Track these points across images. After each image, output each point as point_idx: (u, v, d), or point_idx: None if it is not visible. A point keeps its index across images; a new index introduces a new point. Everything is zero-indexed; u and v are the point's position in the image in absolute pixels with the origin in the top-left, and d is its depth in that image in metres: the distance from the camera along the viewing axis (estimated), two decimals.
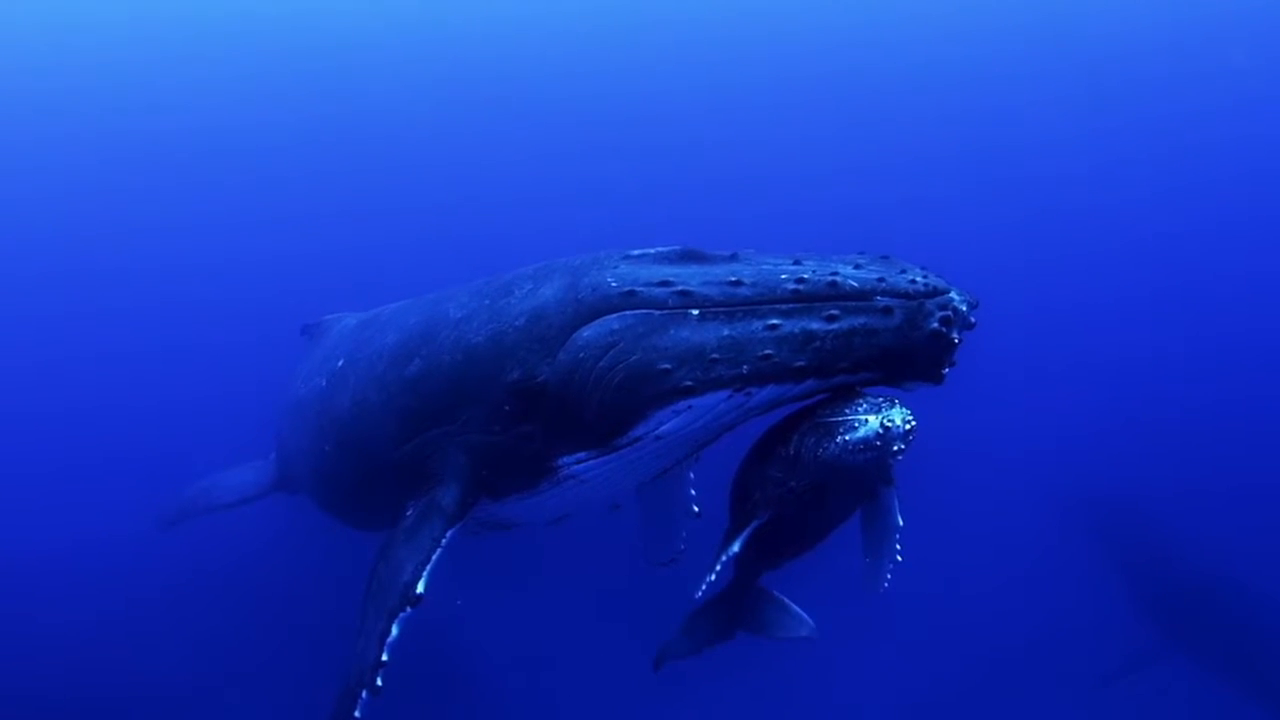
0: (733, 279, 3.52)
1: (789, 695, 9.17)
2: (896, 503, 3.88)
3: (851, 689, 9.33)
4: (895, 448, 3.35)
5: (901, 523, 3.89)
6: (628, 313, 3.56)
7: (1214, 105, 19.45)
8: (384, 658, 3.87)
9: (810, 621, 4.59)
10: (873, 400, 3.44)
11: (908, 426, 3.35)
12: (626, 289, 3.61)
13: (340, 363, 5.16)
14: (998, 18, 21.16)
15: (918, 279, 3.40)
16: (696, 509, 5.55)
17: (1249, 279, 15.55)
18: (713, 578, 3.83)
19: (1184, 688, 9.14)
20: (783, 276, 3.47)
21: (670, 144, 17.81)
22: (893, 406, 3.40)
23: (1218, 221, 16.85)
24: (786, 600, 4.59)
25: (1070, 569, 10.62)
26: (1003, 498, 11.03)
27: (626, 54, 20.29)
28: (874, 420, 3.34)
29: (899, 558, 3.95)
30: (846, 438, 3.35)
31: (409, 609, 3.91)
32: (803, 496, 3.56)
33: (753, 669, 8.77)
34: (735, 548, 3.74)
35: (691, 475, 5.57)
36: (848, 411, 3.41)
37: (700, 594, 3.94)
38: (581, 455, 3.81)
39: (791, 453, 3.52)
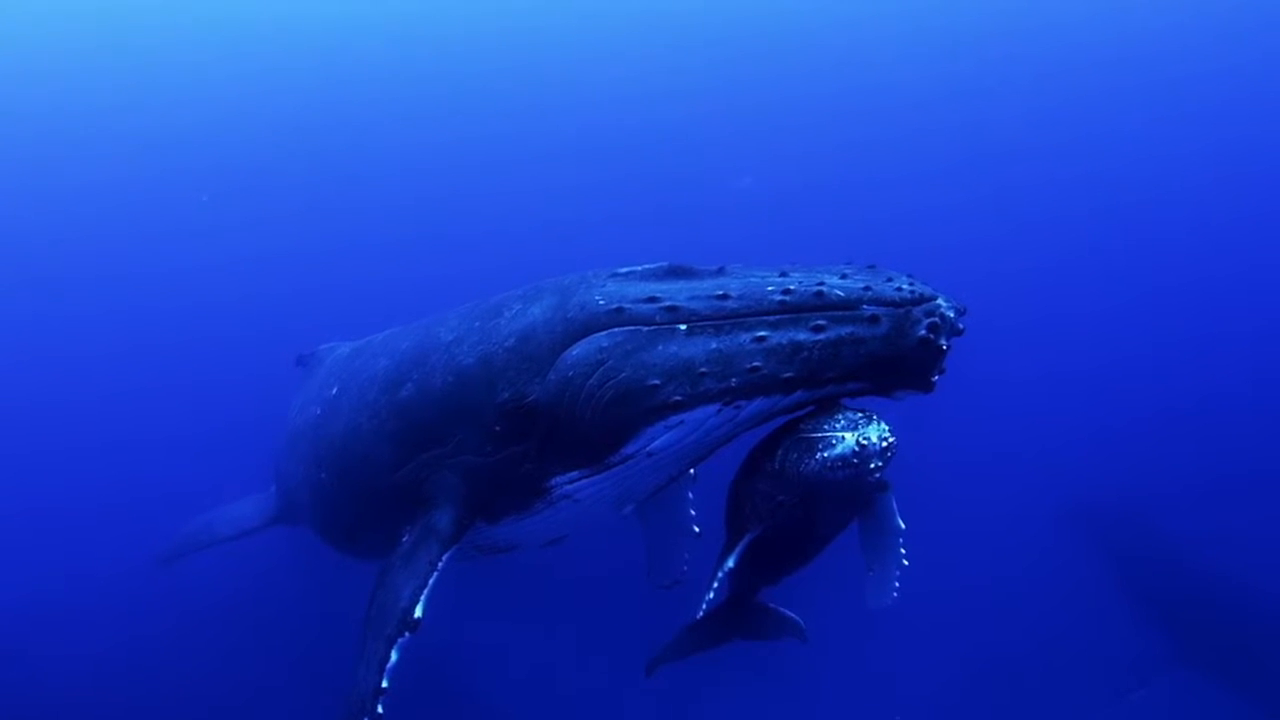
0: (719, 292, 3.52)
1: (792, 710, 9.11)
2: (895, 506, 3.85)
3: (853, 701, 9.27)
4: (872, 465, 3.32)
5: (903, 526, 3.86)
6: (616, 330, 3.57)
7: (1201, 110, 19.54)
8: (384, 684, 3.85)
9: (800, 621, 4.58)
10: (851, 416, 3.42)
11: (885, 444, 3.33)
12: (614, 306, 3.62)
13: (334, 390, 5.17)
14: (981, 26, 21.29)
15: (904, 287, 3.40)
16: (697, 529, 5.52)
17: (1244, 281, 15.55)
18: (711, 595, 3.82)
19: (1188, 695, 9.04)
20: (769, 288, 3.47)
21: (660, 164, 17.92)
22: (870, 423, 3.38)
23: (1212, 225, 16.86)
24: (780, 608, 4.57)
25: (1072, 577, 10.55)
26: (1003, 506, 10.97)
27: (615, 77, 20.44)
28: (850, 438, 3.32)
29: (905, 562, 3.90)
30: (825, 454, 3.33)
31: (407, 634, 3.89)
32: (792, 510, 3.55)
33: (757, 686, 8.73)
34: (730, 563, 3.73)
35: (691, 495, 5.56)
36: (826, 427, 3.40)
37: (701, 612, 3.93)
38: (574, 474, 3.81)
39: (777, 467, 3.51)
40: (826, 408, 3.49)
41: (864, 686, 9.36)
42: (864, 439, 3.30)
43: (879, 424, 3.37)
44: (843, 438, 3.32)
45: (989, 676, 9.73)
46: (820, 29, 21.51)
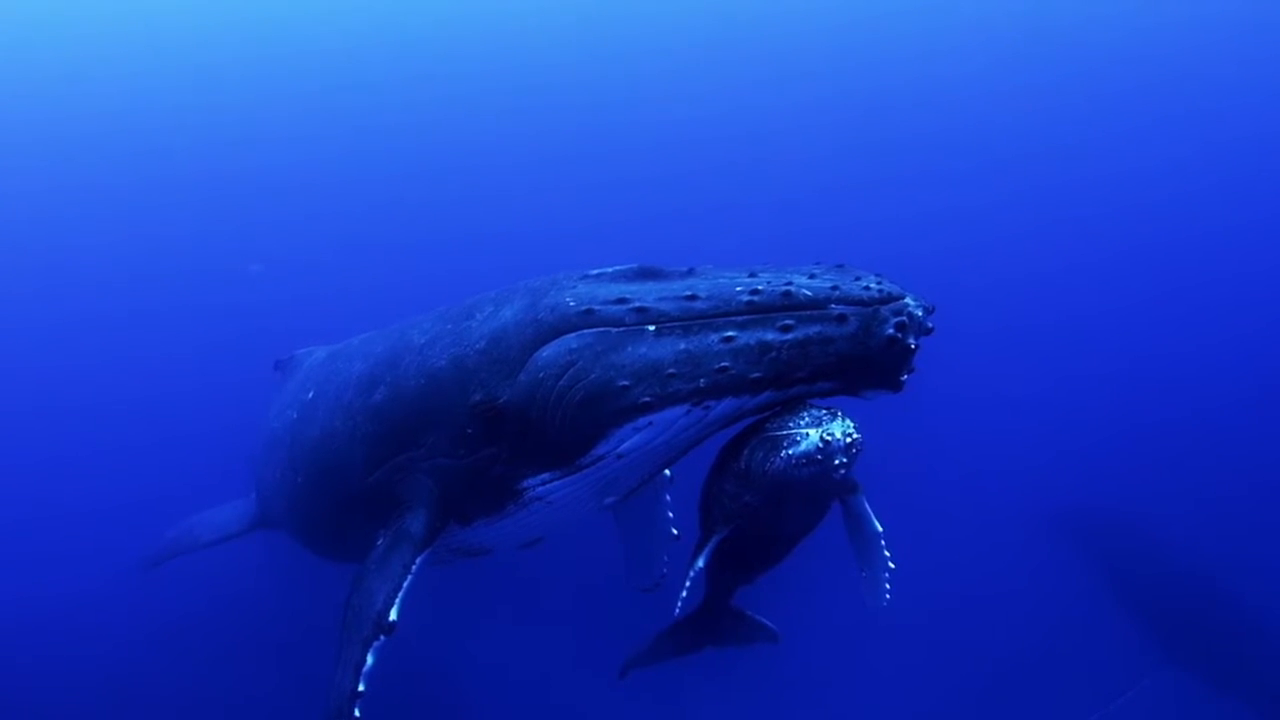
0: (688, 293, 3.52)
1: (785, 717, 9.11)
2: (869, 508, 3.85)
3: (845, 708, 9.27)
4: (837, 462, 3.30)
5: (880, 528, 3.86)
6: (586, 331, 3.57)
7: (1193, 113, 19.60)
8: (360, 687, 3.85)
9: (774, 627, 4.59)
10: (815, 413, 3.41)
11: (849, 440, 3.32)
12: (584, 308, 3.62)
13: (310, 394, 5.17)
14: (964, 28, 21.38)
15: (872, 286, 3.39)
16: (675, 531, 5.53)
17: (1235, 288, 15.60)
18: (684, 594, 3.82)
19: (1177, 696, 9.06)
20: (737, 289, 3.47)
21: (643, 169, 17.93)
22: (834, 420, 3.36)
23: (1200, 232, 16.88)
24: (756, 615, 4.59)
25: (1060, 582, 10.54)
26: (992, 512, 10.97)
27: (592, 83, 20.47)
28: (814, 434, 3.30)
29: (891, 565, 3.91)
30: (789, 452, 3.32)
31: (382, 637, 3.90)
32: (759, 510, 3.53)
33: (746, 694, 8.73)
34: (700, 563, 3.73)
35: (669, 498, 5.57)
36: (790, 425, 3.38)
37: (677, 611, 3.94)
38: (546, 476, 3.81)
39: (743, 467, 3.50)
40: (792, 406, 3.48)
41: (855, 693, 9.37)
42: (828, 435, 3.29)
43: (843, 420, 3.37)
44: (806, 434, 3.31)
45: (979, 681, 9.72)
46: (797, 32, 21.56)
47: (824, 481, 3.39)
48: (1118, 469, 11.68)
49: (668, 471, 5.14)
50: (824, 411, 3.42)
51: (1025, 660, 9.86)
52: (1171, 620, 9.41)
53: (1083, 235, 16.81)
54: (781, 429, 3.40)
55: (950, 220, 16.96)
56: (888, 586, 3.94)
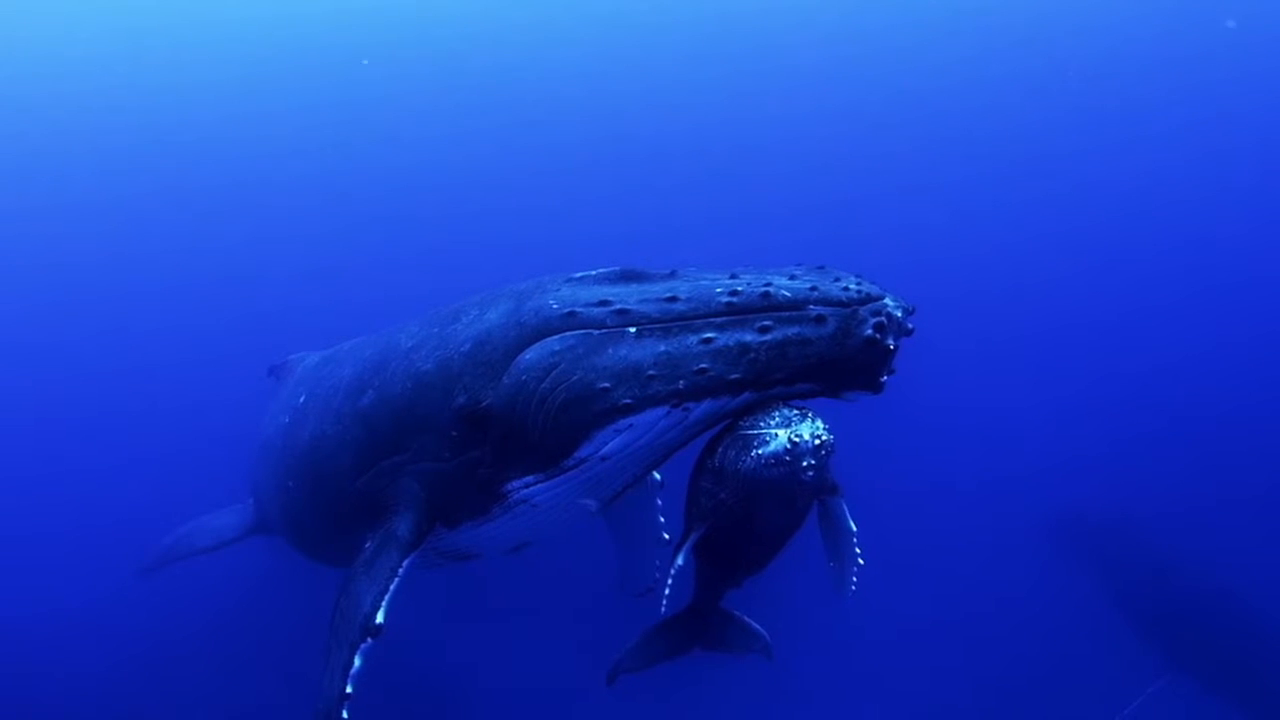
0: (669, 295, 3.53)
1: None
2: (846, 509, 3.86)
3: (843, 715, 9.25)
4: (805, 463, 3.31)
5: (854, 528, 3.87)
6: (568, 334, 3.58)
7: (1193, 116, 19.56)
8: (348, 690, 3.86)
9: (766, 636, 4.57)
10: (785, 413, 3.41)
11: (818, 441, 3.32)
12: (567, 310, 3.63)
13: (302, 399, 5.21)
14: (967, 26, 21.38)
15: (851, 286, 3.39)
16: (667, 536, 5.54)
17: (1237, 292, 15.56)
18: (667, 592, 3.84)
19: (1180, 705, 9.01)
20: (717, 290, 3.47)
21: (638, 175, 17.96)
22: (803, 420, 3.36)
23: (1194, 238, 16.82)
24: (746, 619, 4.57)
25: (1062, 590, 10.49)
26: (992, 519, 10.94)
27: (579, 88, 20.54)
28: (783, 435, 3.31)
29: (860, 561, 3.93)
30: (759, 452, 3.33)
31: (369, 640, 3.90)
32: (734, 509, 3.53)
33: (743, 702, 8.72)
34: (680, 560, 3.74)
35: (660, 501, 5.57)
36: (761, 424, 3.39)
37: (663, 608, 3.95)
38: (529, 479, 3.81)
39: (716, 464, 3.51)
40: (766, 405, 3.48)
41: (854, 704, 9.34)
42: (795, 436, 3.30)
43: (813, 421, 3.37)
44: (776, 434, 3.32)
45: (981, 690, 9.69)
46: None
47: (793, 482, 3.39)
48: (1117, 473, 11.65)
49: (658, 475, 5.16)
50: (795, 412, 3.42)
51: (1027, 667, 9.82)
52: (1173, 625, 9.37)
53: (1077, 240, 16.79)
54: (753, 428, 3.41)
55: (943, 225, 16.94)
56: (855, 580, 3.96)
